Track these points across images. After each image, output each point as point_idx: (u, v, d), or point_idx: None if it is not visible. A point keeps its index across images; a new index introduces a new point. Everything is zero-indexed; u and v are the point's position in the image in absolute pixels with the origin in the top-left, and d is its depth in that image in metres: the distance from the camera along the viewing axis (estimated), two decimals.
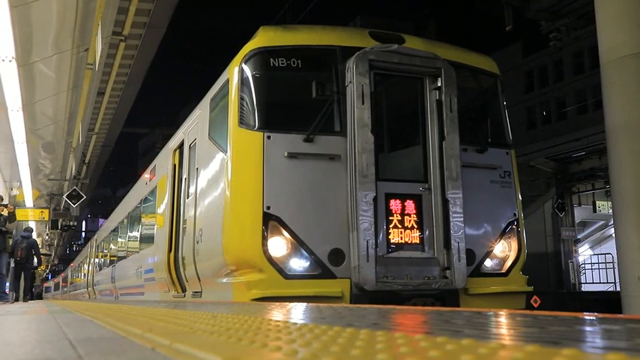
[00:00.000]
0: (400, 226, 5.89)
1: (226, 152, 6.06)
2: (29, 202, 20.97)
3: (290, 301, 4.91)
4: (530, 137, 31.78)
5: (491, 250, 6.35)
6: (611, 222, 18.42)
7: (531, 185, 25.82)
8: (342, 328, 1.96)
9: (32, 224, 25.19)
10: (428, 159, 6.11)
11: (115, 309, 5.31)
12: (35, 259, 14.66)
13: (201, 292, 7.15)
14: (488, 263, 6.32)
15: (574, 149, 24.48)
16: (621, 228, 8.39)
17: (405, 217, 5.93)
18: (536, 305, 17.62)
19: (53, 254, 46.33)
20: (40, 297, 37.83)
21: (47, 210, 22.17)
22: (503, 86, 7.18)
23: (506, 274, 6.40)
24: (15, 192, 20.45)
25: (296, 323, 2.29)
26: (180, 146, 8.47)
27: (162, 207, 9.37)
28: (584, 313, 2.34)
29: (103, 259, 19.57)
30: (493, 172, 6.55)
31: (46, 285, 57.03)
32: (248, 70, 6.07)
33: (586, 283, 25.64)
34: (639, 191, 7.99)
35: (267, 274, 5.48)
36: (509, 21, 15.39)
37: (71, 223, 27.44)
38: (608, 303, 15.95)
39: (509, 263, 6.44)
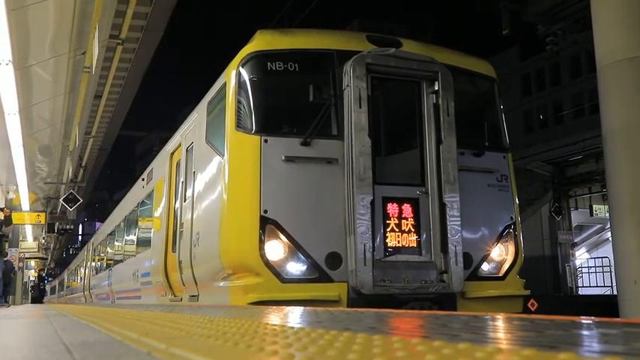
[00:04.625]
0: (397, 230, 5.89)
1: (223, 156, 6.06)
2: (25, 205, 20.93)
3: (287, 305, 4.90)
4: (527, 141, 31.87)
5: (489, 254, 6.35)
6: (608, 225, 18.46)
7: (528, 189, 25.87)
8: (339, 332, 1.95)
9: (28, 227, 25.22)
10: (425, 162, 6.10)
11: (112, 313, 5.30)
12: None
13: (198, 295, 7.14)
14: (485, 267, 6.32)
15: (571, 153, 24.58)
16: (618, 231, 8.39)
17: (403, 220, 5.93)
18: (533, 309, 17.58)
19: (49, 258, 46.13)
20: (40, 300, 37.72)
21: (44, 213, 22.12)
22: (500, 90, 7.19)
23: (503, 278, 6.40)
24: (11, 195, 20.40)
25: (293, 327, 2.29)
26: (177, 149, 8.46)
27: (160, 210, 9.35)
28: (581, 317, 2.34)
29: (99, 263, 19.52)
30: (490, 176, 6.55)
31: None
32: (245, 74, 6.06)
33: (583, 286, 25.70)
34: (636, 194, 8.00)
35: (264, 277, 5.47)
36: (506, 24, 15.44)
37: (68, 227, 27.38)
38: (605, 306, 15.95)
39: (506, 267, 6.44)
